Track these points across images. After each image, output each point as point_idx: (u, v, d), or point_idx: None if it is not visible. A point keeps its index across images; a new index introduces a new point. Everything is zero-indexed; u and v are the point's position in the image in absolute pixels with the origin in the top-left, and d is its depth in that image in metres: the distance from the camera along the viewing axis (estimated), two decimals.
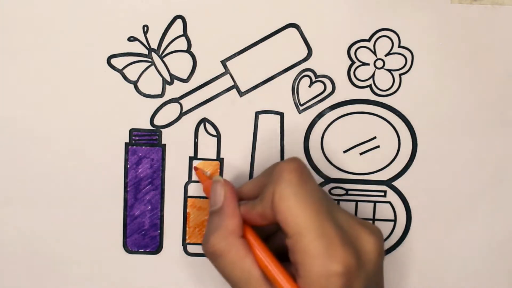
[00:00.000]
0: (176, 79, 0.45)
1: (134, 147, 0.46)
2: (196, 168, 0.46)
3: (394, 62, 0.45)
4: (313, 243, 0.36)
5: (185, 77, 0.45)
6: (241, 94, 0.45)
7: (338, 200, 0.47)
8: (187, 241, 0.47)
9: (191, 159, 0.46)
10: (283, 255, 0.39)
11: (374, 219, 0.47)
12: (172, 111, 0.45)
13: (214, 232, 0.39)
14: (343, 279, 0.36)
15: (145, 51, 0.45)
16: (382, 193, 0.47)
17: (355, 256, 0.36)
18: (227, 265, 0.39)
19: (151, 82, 0.45)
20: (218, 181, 0.42)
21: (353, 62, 0.45)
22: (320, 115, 0.46)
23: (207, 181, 0.44)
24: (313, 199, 0.37)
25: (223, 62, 0.45)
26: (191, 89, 0.45)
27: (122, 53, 0.45)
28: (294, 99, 0.45)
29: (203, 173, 0.46)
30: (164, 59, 0.45)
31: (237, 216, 0.40)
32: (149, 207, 0.46)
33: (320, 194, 0.38)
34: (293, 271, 0.37)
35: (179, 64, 0.45)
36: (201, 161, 0.46)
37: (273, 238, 0.42)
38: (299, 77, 0.45)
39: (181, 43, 0.45)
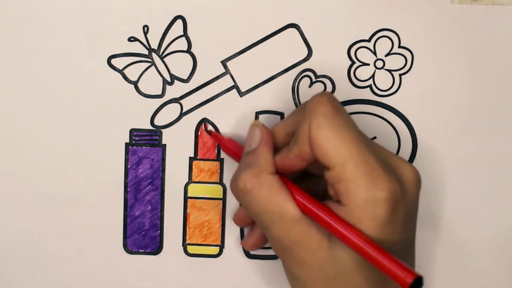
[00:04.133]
0: (176, 79, 0.45)
1: (134, 147, 0.46)
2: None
3: (394, 62, 0.45)
4: (357, 171, 0.35)
5: (185, 77, 0.45)
6: (241, 94, 0.45)
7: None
8: (187, 242, 0.47)
9: (191, 159, 0.46)
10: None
11: None
12: (172, 111, 0.45)
13: (245, 169, 0.39)
14: (388, 205, 0.35)
15: (145, 51, 0.45)
16: None
17: (398, 184, 0.36)
18: (258, 201, 0.38)
19: (152, 82, 0.45)
20: (256, 124, 0.41)
21: (353, 62, 0.45)
22: None
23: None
24: (350, 129, 0.37)
25: (223, 62, 0.45)
26: (191, 89, 0.45)
27: (122, 53, 0.45)
28: (294, 99, 0.45)
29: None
30: (164, 59, 0.45)
31: (271, 155, 0.39)
32: (149, 207, 0.46)
33: (355, 125, 0.38)
34: (331, 206, 0.37)
35: (179, 64, 0.45)
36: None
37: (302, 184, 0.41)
38: (299, 77, 0.45)
39: (181, 43, 0.45)
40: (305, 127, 0.37)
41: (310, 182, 0.41)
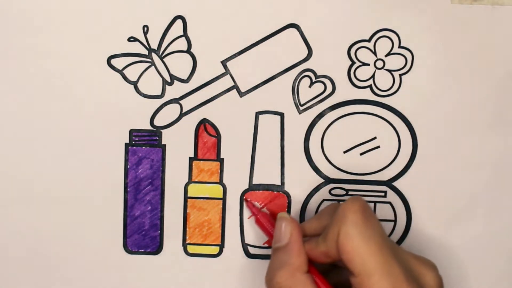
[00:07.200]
0: (176, 80, 0.45)
1: (134, 147, 0.46)
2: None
3: (394, 62, 0.45)
4: (380, 282, 0.37)
5: (185, 77, 0.45)
6: (241, 94, 0.45)
7: (338, 201, 0.47)
8: (187, 242, 0.47)
9: (191, 159, 0.46)
10: None
11: None
12: (172, 111, 0.45)
13: (280, 268, 0.40)
14: None
15: (145, 52, 0.45)
16: (382, 194, 0.47)
17: None
18: None
19: (151, 83, 0.45)
20: (284, 218, 0.43)
21: (353, 62, 0.45)
22: (320, 116, 0.46)
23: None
24: (377, 239, 0.38)
25: (223, 63, 0.45)
26: (191, 89, 0.45)
27: (122, 54, 0.45)
28: (294, 99, 0.45)
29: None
30: (164, 59, 0.45)
31: (303, 253, 0.41)
32: (149, 207, 0.46)
33: (383, 233, 0.39)
34: None
35: (179, 64, 0.45)
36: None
37: (333, 273, 0.43)
38: (299, 77, 0.45)
39: (181, 44, 0.45)
40: (334, 232, 0.39)
41: (338, 272, 0.43)
